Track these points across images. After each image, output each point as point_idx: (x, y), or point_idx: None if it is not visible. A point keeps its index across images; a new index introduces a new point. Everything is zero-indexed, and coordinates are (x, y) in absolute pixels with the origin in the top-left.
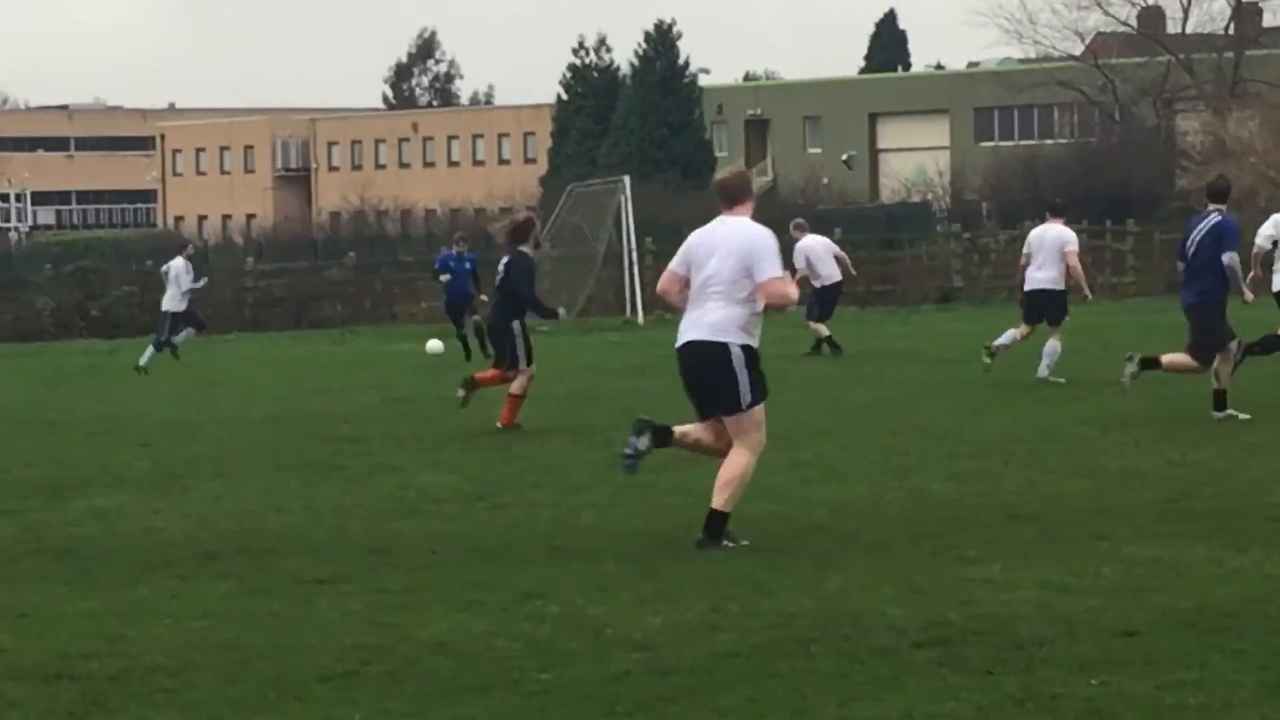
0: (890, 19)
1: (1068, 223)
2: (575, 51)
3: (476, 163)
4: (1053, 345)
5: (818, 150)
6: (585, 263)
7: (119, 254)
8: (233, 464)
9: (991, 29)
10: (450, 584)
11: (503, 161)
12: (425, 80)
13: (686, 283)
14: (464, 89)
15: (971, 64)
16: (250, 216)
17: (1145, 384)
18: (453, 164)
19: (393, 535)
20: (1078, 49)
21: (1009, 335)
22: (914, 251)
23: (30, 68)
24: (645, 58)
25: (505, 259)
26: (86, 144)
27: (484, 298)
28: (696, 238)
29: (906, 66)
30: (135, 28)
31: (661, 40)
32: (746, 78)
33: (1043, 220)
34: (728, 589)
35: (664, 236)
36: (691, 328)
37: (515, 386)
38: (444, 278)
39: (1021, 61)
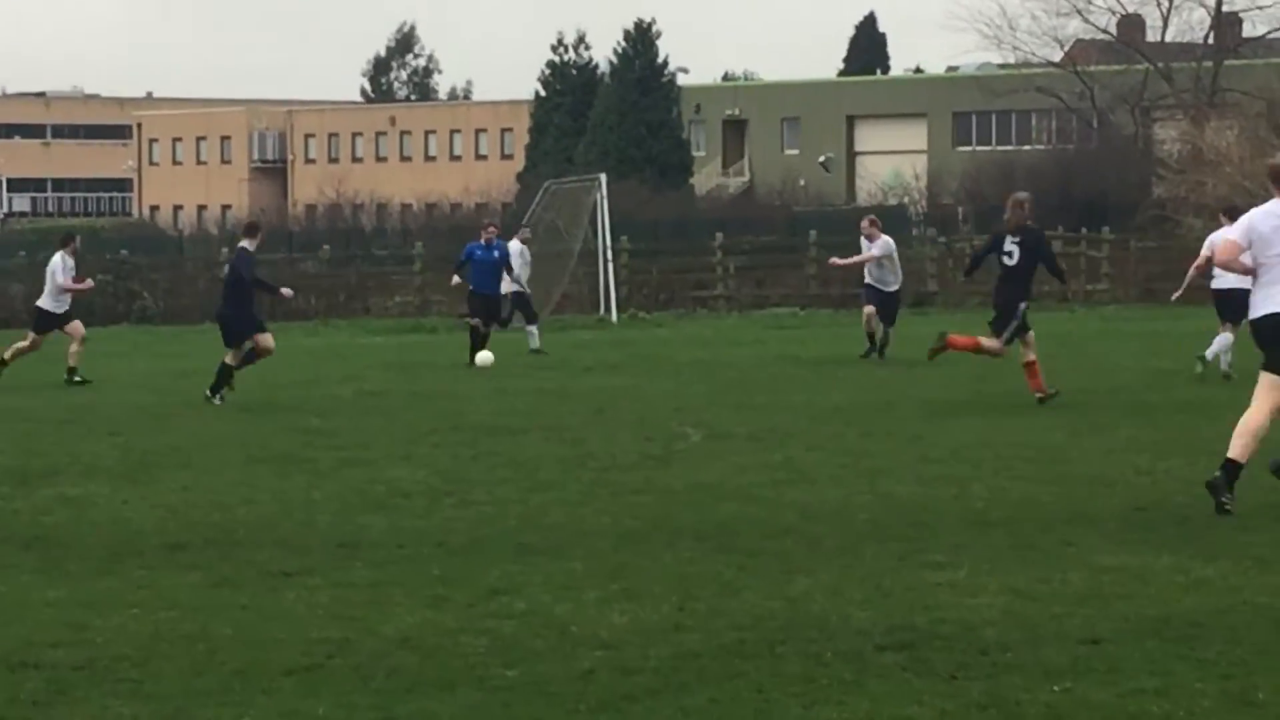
0: (870, 22)
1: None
2: (554, 48)
3: (453, 158)
4: (1227, 338)
5: (795, 152)
6: (560, 260)
7: (94, 243)
8: (202, 455)
9: (971, 34)
10: (417, 579)
11: (480, 157)
12: (403, 74)
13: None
14: (442, 84)
15: (950, 68)
16: (226, 207)
17: (1113, 392)
18: (429, 159)
19: (361, 529)
20: (1057, 55)
21: (1221, 341)
22: None
23: (8, 54)
24: (624, 56)
25: (1017, 238)
26: (63, 131)
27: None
28: (1260, 215)
29: (885, 70)
30: (114, 16)
31: (641, 39)
32: (725, 78)
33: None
34: (694, 589)
35: (640, 235)
36: (1268, 301)
37: (1028, 354)
38: (455, 279)
39: (1001, 67)
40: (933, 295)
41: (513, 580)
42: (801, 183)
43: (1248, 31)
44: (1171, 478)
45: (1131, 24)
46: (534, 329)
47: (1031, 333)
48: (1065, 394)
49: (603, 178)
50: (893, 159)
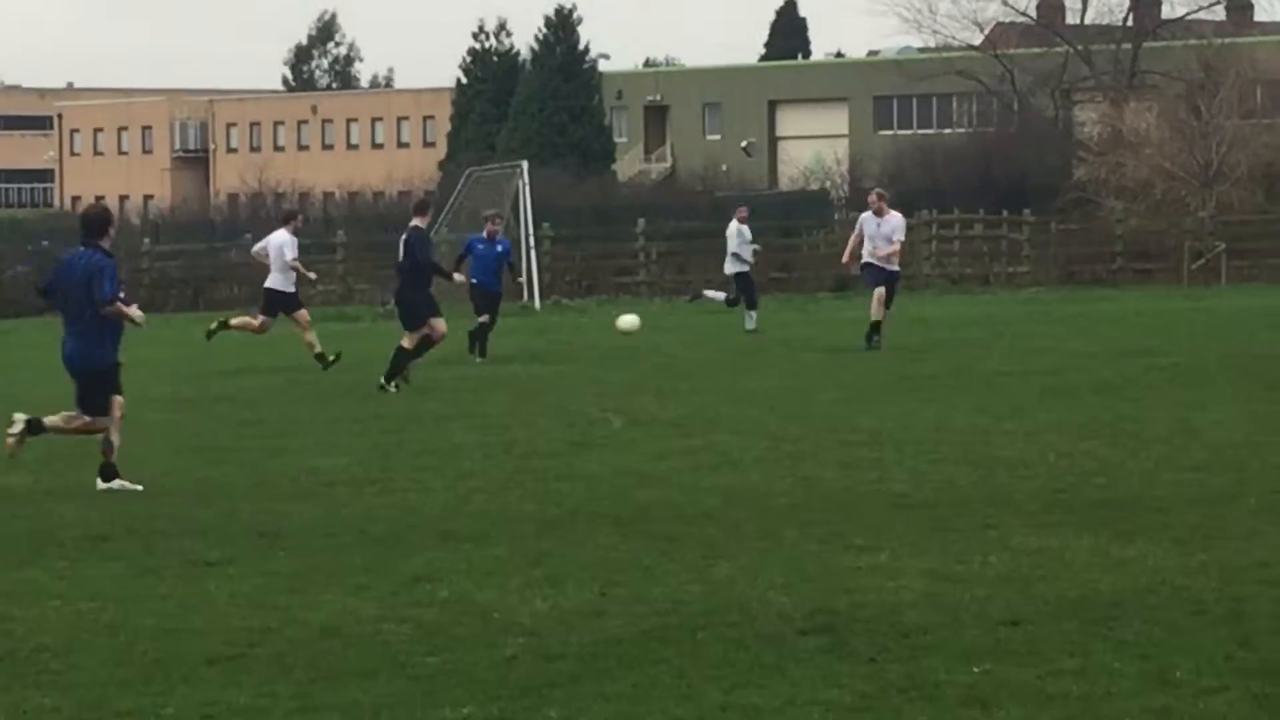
0: (791, 6)
1: (966, 212)
2: (475, 35)
3: (375, 146)
4: None
5: (717, 137)
6: None
7: (15, 234)
8: (126, 444)
9: (891, 18)
10: (340, 567)
11: (402, 145)
12: (325, 63)
13: None
14: (364, 72)
15: (871, 52)
16: (148, 197)
17: (1033, 375)
18: (351, 147)
19: (284, 518)
20: (977, 39)
21: None
22: (811, 240)
23: None
24: (545, 42)
25: None
26: None
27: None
28: None
29: (806, 54)
30: (34, 6)
31: (562, 25)
32: (647, 64)
33: None
34: (616, 575)
35: (562, 221)
36: None
37: None
38: (458, 276)
39: (921, 50)
40: (855, 279)
41: (435, 568)
42: (724, 168)
43: (1166, 13)
44: (1091, 459)
45: (1051, 7)
46: (753, 313)
47: None
48: (984, 376)
49: (524, 165)
50: (814, 143)
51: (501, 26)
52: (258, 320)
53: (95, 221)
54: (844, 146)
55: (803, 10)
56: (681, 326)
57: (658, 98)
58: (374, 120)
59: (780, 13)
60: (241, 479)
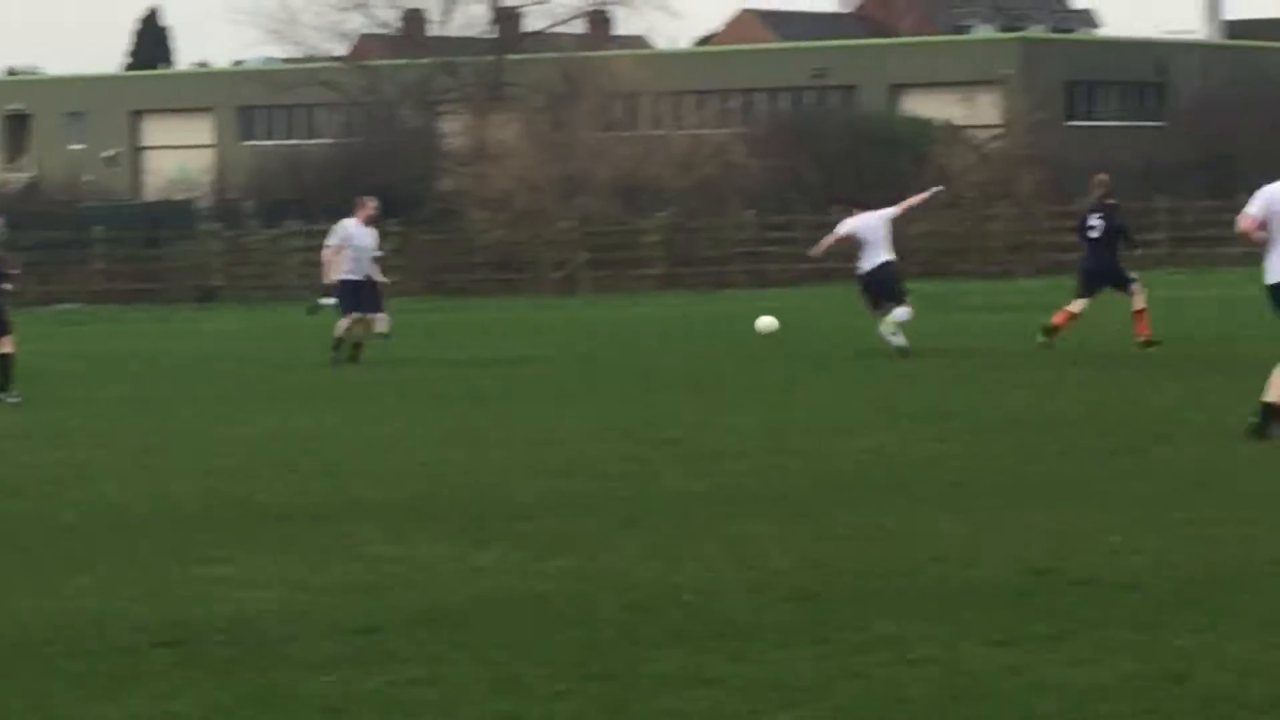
0: (152, 16)
1: None
2: None
3: None
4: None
5: (81, 146)
6: None
7: None
8: None
9: (254, 28)
10: None
11: None
12: None
13: (1262, 224)
14: None
15: (236, 62)
16: None
17: (395, 385)
18: None
19: None
20: (342, 50)
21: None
22: (176, 250)
23: None
24: None
25: (1099, 213)
26: None
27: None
28: (1276, 189)
29: (170, 64)
30: None
31: None
32: (11, 72)
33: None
34: None
35: None
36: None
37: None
38: None
39: (286, 61)
40: (219, 290)
41: None
42: (88, 178)
43: (529, 26)
44: (453, 467)
45: (416, 18)
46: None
47: (1137, 283)
48: (350, 386)
49: None
50: (179, 154)
51: None
52: None
53: None
54: (209, 156)
55: (166, 19)
56: (43, 337)
57: (20, 107)
58: None
59: (144, 22)
60: None
